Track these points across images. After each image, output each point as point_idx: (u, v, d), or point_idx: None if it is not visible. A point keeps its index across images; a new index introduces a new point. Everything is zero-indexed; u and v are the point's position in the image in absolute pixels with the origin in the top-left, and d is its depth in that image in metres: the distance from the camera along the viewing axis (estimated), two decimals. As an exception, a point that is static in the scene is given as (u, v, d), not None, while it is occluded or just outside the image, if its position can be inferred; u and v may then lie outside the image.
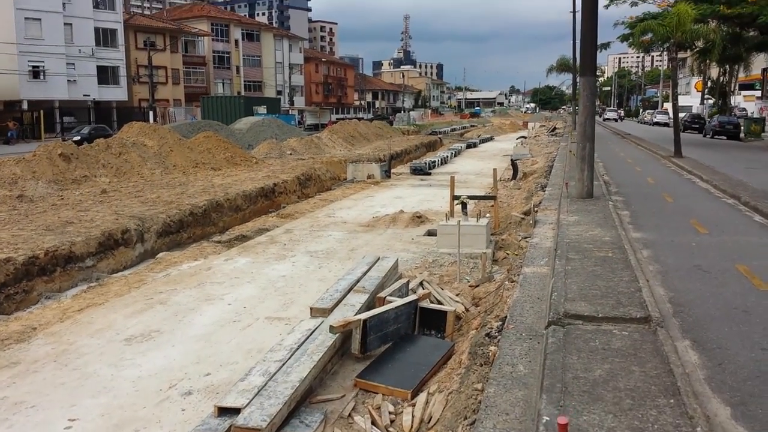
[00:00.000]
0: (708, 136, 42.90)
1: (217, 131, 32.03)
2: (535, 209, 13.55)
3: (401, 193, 21.80)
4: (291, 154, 31.52)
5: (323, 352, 6.12)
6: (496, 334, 6.36)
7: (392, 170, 29.23)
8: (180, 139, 23.34)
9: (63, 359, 7.13)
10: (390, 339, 7.24)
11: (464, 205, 12.06)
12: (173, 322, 8.35)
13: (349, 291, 8.13)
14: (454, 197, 13.28)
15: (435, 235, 12.59)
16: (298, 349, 6.12)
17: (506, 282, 8.43)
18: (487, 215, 15.64)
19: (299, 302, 9.06)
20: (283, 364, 5.76)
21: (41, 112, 52.02)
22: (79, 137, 40.10)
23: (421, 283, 9.44)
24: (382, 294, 8.00)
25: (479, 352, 6.07)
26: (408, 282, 8.85)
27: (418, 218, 15.76)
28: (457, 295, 9.43)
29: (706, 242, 9.55)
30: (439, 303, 8.94)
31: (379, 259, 9.88)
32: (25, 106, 54.71)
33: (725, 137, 40.98)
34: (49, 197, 16.10)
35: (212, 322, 8.37)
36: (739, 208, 12.68)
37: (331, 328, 6.51)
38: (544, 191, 17.01)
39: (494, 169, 14.08)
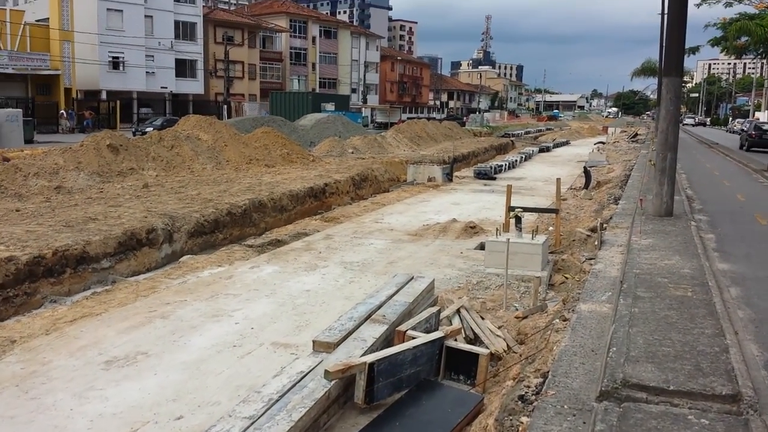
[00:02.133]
0: None
1: (279, 127, 31.40)
2: (603, 227, 11.91)
3: (460, 198, 20.36)
4: (352, 152, 30.52)
5: (309, 406, 4.89)
6: (533, 396, 4.97)
7: (456, 173, 27.77)
8: (236, 134, 22.64)
9: (27, 383, 6.18)
10: (405, 385, 5.94)
11: (518, 219, 10.58)
12: (166, 343, 7.31)
13: (366, 319, 6.88)
14: (510, 208, 11.80)
15: (487, 249, 11.17)
16: (278, 401, 4.91)
17: (557, 320, 6.98)
18: (550, 228, 14.11)
19: (315, 325, 7.87)
20: (253, 423, 4.56)
21: (117, 102, 53.10)
22: (151, 128, 40.44)
23: (458, 311, 8.08)
24: (403, 326, 6.70)
25: (507, 422, 4.69)
26: (439, 311, 7.51)
27: (472, 228, 14.33)
28: (499, 327, 8.02)
29: (811, 281, 7.79)
30: (476, 336, 7.57)
31: (412, 278, 8.57)
32: (104, 96, 56.06)
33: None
34: (89, 189, 15.55)
35: (210, 344, 7.28)
36: None
37: (327, 374, 5.27)
38: (617, 204, 15.27)
39: (558, 179, 12.50)
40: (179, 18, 62.29)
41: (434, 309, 7.43)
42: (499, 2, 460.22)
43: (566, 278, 10.04)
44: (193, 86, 64.88)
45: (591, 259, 10.22)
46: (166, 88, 61.97)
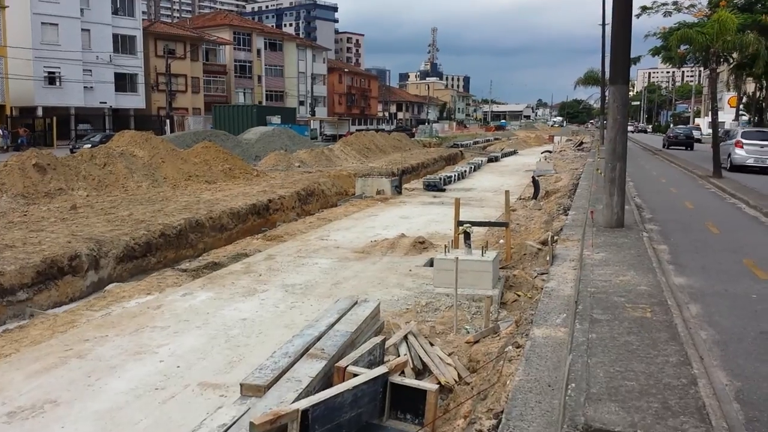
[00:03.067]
0: None
1: (222, 141, 30.49)
2: (554, 239, 11.54)
3: (409, 211, 19.87)
4: (299, 166, 29.82)
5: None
6: (485, 443, 4.41)
7: (405, 185, 27.36)
8: (173, 149, 21.70)
9: None
10: (346, 431, 5.31)
11: (467, 235, 10.09)
12: (80, 388, 6.51)
13: (303, 354, 6.23)
14: (459, 223, 11.32)
15: (436, 266, 10.65)
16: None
17: (510, 347, 6.46)
18: (500, 241, 13.71)
19: (249, 360, 7.18)
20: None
21: (54, 118, 51.05)
22: (90, 145, 38.86)
23: (405, 337, 7.52)
24: (344, 361, 6.07)
25: (457, 476, 4.12)
26: (384, 341, 6.91)
27: (421, 244, 13.81)
28: (450, 354, 7.48)
29: (769, 293, 7.48)
30: (424, 366, 7.01)
31: (355, 303, 7.96)
32: (39, 112, 53.90)
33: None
34: (11, 213, 14.46)
35: (129, 388, 6.51)
36: (801, 244, 10.56)
37: (252, 427, 4.60)
38: (566, 215, 14.98)
39: (506, 191, 12.11)
40: (118, 31, 60.54)
41: (378, 339, 6.83)
42: (444, 15, 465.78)
43: (518, 296, 9.59)
44: (134, 101, 63.07)
45: (543, 274, 9.81)
46: (105, 103, 60.05)
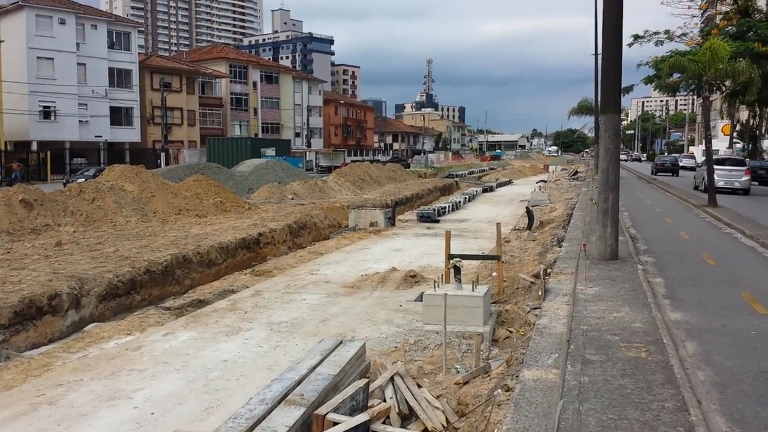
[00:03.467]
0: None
1: (215, 174, 30.34)
2: (547, 272, 11.28)
3: (402, 244, 19.61)
4: (292, 198, 29.61)
5: None
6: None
7: (399, 217, 27.14)
8: (164, 183, 21.46)
9: None
10: (323, 484, 4.99)
11: (457, 270, 9.80)
12: (46, 438, 6.18)
13: (281, 400, 5.92)
14: (450, 256, 11.05)
15: (427, 302, 10.35)
16: None
17: (499, 390, 6.16)
18: (494, 274, 13.43)
19: (228, 405, 6.85)
20: None
21: (48, 153, 50.98)
22: (83, 179, 38.70)
23: (391, 379, 7.21)
24: (324, 408, 5.76)
25: None
26: (367, 384, 6.60)
27: (412, 278, 13.53)
28: (438, 396, 7.16)
29: (769, 329, 7.21)
30: (411, 410, 6.70)
31: (340, 343, 7.66)
32: (34, 146, 53.90)
33: (757, 183, 38.64)
34: (-5, 250, 14.16)
35: (98, 438, 6.18)
36: (799, 276, 10.31)
37: (219, 484, 4.29)
38: (560, 246, 14.75)
39: (498, 224, 11.87)
40: (114, 65, 60.88)
41: (362, 383, 6.51)
42: (439, 47, 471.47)
43: (510, 332, 9.28)
44: (130, 134, 63.18)
45: (536, 308, 9.53)
46: (100, 136, 60.15)
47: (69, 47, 56.14)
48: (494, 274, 13.28)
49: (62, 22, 55.62)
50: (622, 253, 11.58)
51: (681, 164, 55.62)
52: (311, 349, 7.52)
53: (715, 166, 28.39)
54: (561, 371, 5.68)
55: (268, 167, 34.76)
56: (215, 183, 23.85)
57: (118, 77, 61.87)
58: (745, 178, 30.25)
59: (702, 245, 13.44)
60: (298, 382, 6.37)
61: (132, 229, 17.65)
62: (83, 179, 38.20)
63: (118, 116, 62.07)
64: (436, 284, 9.90)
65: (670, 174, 48.68)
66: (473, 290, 9.52)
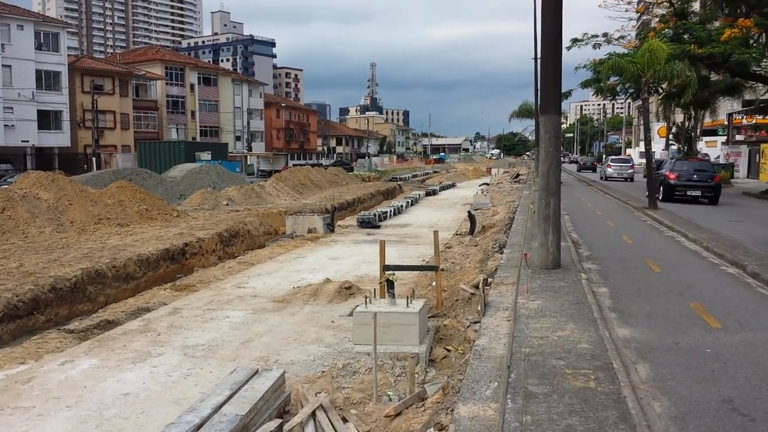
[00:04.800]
0: None
1: (144, 180, 28.83)
2: (488, 282, 10.60)
3: (339, 252, 18.73)
4: (227, 204, 28.37)
5: None
6: None
7: (340, 222, 26.27)
8: (83, 190, 20.00)
9: None
10: None
11: (390, 284, 8.99)
12: None
13: (175, 450, 4.97)
14: (384, 267, 10.24)
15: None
16: None
17: (431, 429, 5.36)
18: (434, 283, 12.70)
19: (119, 453, 5.85)
20: None
21: (-33, 159, 48.12)
22: (6, 185, 36.40)
23: (313, 414, 6.34)
24: (223, 460, 4.85)
25: None
26: (281, 425, 5.71)
27: (347, 290, 12.67)
28: (366, 432, 6.34)
29: (724, 346, 6.64)
30: (333, 452, 5.84)
31: (256, 373, 6.74)
32: (-47, 152, 50.87)
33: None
34: None
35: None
36: (747, 282, 9.89)
37: None
38: (502, 252, 14.15)
39: (435, 232, 11.12)
40: (41, 67, 58.01)
41: (273, 424, 5.62)
42: (383, 51, 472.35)
43: (449, 351, 8.53)
44: (59, 139, 60.34)
45: (476, 322, 8.83)
46: (27, 141, 57.25)
47: (-8, 49, 53.21)
48: (434, 283, 12.57)
49: (-16, 22, 52.67)
50: (564, 260, 11.01)
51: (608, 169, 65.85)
52: (220, 382, 6.57)
53: (611, 162, 46.55)
54: (501, 407, 4.92)
55: (202, 172, 33.34)
56: (141, 189, 22.45)
57: (47, 79, 59.01)
58: (630, 170, 44.59)
59: (645, 250, 13.02)
60: (199, 426, 5.43)
61: (44, 241, 16.24)
62: (6, 186, 36.01)
63: (47, 120, 59.20)
64: (367, 300, 9.05)
65: (590, 171, 64.99)
66: (408, 306, 8.72)
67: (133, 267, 14.30)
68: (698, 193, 24.69)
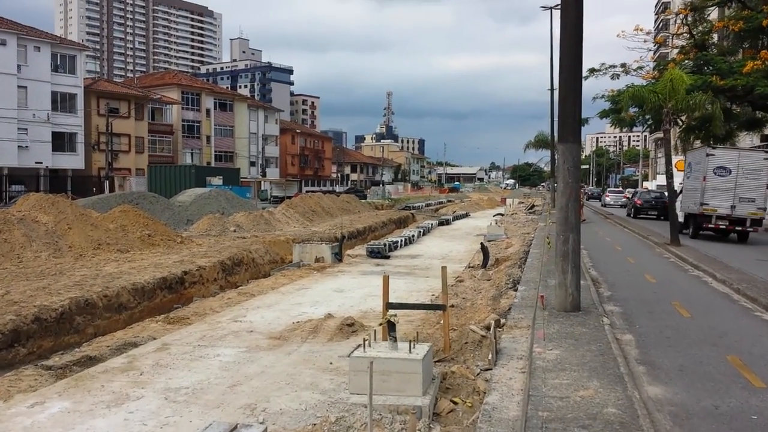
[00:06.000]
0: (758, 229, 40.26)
1: (151, 204, 28.31)
2: (500, 324, 9.77)
3: (345, 283, 17.93)
4: (234, 230, 27.73)
5: None
6: None
7: (349, 251, 25.50)
8: (83, 214, 19.41)
9: None
10: None
11: (391, 326, 8.17)
12: None
13: None
14: (388, 305, 9.43)
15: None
16: None
17: None
18: (441, 321, 11.85)
19: None
20: None
21: (-20, 179, 48.14)
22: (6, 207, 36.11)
23: (296, 479, 5.51)
24: None
25: None
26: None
27: (349, 327, 11.83)
28: (355, 504, 5.49)
29: (773, 410, 5.75)
30: None
31: (234, 429, 5.94)
32: (-33, 172, 50.95)
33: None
34: None
35: None
36: (786, 331, 8.97)
37: None
38: (516, 289, 13.31)
39: (443, 268, 10.31)
40: (57, 89, 58.34)
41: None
42: (399, 80, 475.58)
43: (456, 403, 7.68)
44: (73, 161, 60.45)
45: (487, 369, 8.00)
46: (41, 163, 57.33)
47: (9, 69, 53.55)
48: (442, 321, 11.72)
49: (2, 43, 53.09)
50: (584, 300, 10.14)
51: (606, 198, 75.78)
52: (192, 439, 5.78)
53: (608, 192, 60.74)
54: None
55: (211, 197, 32.80)
56: (144, 214, 21.86)
57: (62, 101, 59.32)
58: (624, 199, 52.70)
59: (671, 291, 12.11)
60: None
61: (38, 267, 15.60)
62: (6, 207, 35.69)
63: (61, 142, 59.39)
64: (366, 342, 8.23)
65: (596, 199, 71.67)
66: (411, 351, 7.90)
67: (126, 296, 13.59)
68: (655, 213, 37.46)
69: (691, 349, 7.85)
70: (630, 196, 47.08)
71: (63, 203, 19.32)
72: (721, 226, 22.71)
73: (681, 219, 24.05)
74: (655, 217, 36.48)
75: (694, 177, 24.13)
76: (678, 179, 58.19)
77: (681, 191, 25.50)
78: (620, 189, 72.16)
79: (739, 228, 22.80)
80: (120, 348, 10.56)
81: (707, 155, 22.86)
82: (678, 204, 23.49)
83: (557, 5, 39.79)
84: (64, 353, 10.60)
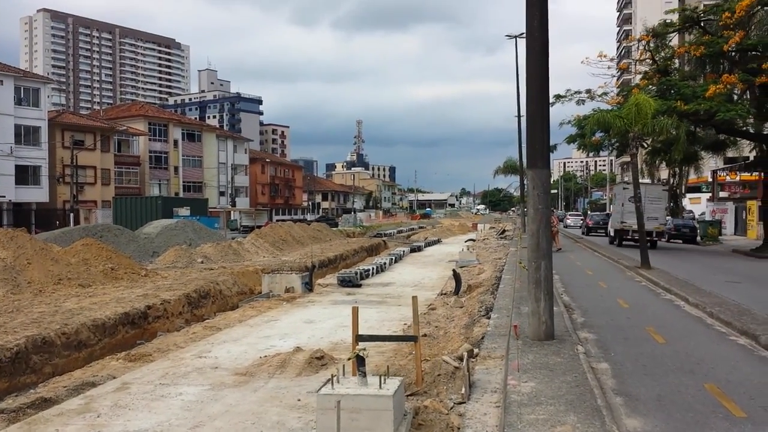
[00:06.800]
0: (663, 240, 40.79)
1: (116, 236, 27.66)
2: (473, 354, 9.52)
3: (316, 314, 17.54)
4: (202, 262, 27.16)
5: None
6: None
7: (320, 281, 25.11)
8: (43, 248, 18.79)
9: None
10: None
11: (360, 360, 7.84)
12: None
13: None
14: (358, 337, 9.10)
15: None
16: None
17: None
18: (414, 352, 11.54)
19: None
20: None
21: (-61, 213, 46.73)
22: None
23: None
24: None
25: None
26: None
27: (318, 360, 11.48)
28: None
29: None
30: None
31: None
32: (-74, 207, 49.43)
33: (681, 241, 38.95)
34: None
35: None
36: (763, 356, 8.84)
37: None
38: (489, 317, 13.09)
39: (414, 297, 10.03)
40: (21, 122, 57.26)
41: None
42: (369, 108, 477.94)
43: (428, 441, 7.36)
44: (37, 194, 59.14)
45: (460, 403, 7.71)
46: (4, 197, 55.95)
47: (-29, 102, 52.45)
48: (414, 352, 11.41)
49: (-36, 76, 52.05)
50: (557, 328, 9.94)
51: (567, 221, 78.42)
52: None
53: (569, 215, 71.49)
54: None
55: (178, 228, 32.18)
56: (107, 247, 21.26)
57: (26, 134, 58.22)
58: (582, 221, 59.40)
59: (644, 316, 11.99)
60: None
61: (-7, 304, 14.96)
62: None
63: (25, 175, 58.14)
64: (334, 378, 7.89)
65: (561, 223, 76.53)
66: (381, 386, 7.57)
67: (86, 333, 13.05)
68: (603, 230, 42.38)
69: (668, 378, 7.65)
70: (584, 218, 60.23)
71: (22, 238, 18.68)
72: (635, 237, 28.77)
73: (612, 234, 34.23)
74: (604, 234, 41.94)
75: (617, 204, 32.71)
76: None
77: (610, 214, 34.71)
78: (579, 213, 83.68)
79: (648, 238, 28.42)
80: (77, 388, 10.04)
81: (624, 188, 31.86)
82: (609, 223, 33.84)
83: (522, 34, 40.42)
84: (18, 395, 10.06)
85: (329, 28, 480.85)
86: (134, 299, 16.06)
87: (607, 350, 9.12)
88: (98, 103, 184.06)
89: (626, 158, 54.62)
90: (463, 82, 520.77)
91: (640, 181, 23.34)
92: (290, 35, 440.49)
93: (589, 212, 76.62)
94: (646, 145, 33.63)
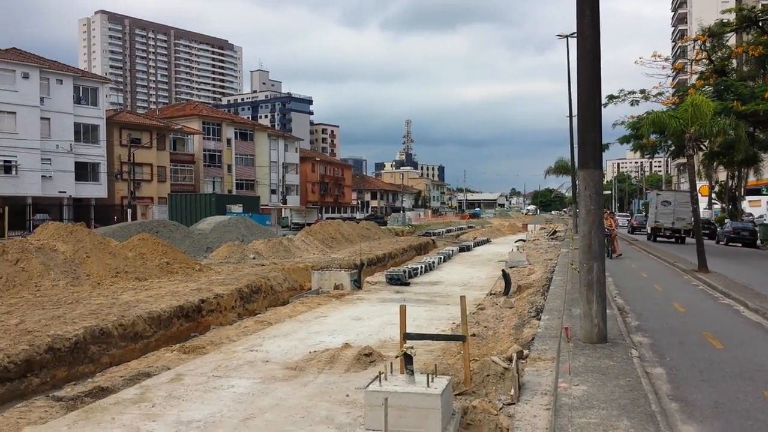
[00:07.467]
0: (722, 243, 39.56)
1: (171, 232, 28.36)
2: (523, 355, 9.42)
3: (364, 311, 17.63)
4: (254, 258, 27.62)
5: None
6: None
7: (369, 278, 25.23)
8: (101, 242, 19.42)
9: None
10: None
11: (408, 359, 7.85)
12: None
13: None
14: (406, 336, 9.12)
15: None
16: None
17: None
18: (461, 351, 11.49)
19: None
20: None
21: (5, 208, 48.67)
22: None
23: None
24: None
25: None
26: None
27: (367, 356, 11.52)
28: None
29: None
30: None
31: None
32: (-6, 201, 51.60)
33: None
34: None
35: None
36: (828, 364, 8.49)
37: None
38: (539, 318, 12.93)
39: (462, 297, 9.97)
40: (80, 120, 59.30)
41: None
42: (418, 108, 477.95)
43: (477, 441, 7.33)
44: (96, 190, 61.16)
45: (510, 404, 7.65)
46: (64, 192, 58.05)
47: (32, 101, 54.55)
48: (462, 352, 11.35)
49: (25, 76, 54.18)
50: (610, 331, 9.75)
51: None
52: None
53: (617, 215, 61.20)
54: None
55: (231, 225, 32.79)
56: (162, 242, 21.84)
57: (85, 132, 60.25)
58: (628, 222, 61.96)
59: (701, 321, 11.66)
60: None
61: (55, 296, 15.53)
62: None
63: (84, 172, 60.19)
64: (382, 375, 7.92)
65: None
66: (429, 384, 7.56)
67: (142, 325, 13.42)
68: (645, 229, 45.53)
69: (727, 384, 7.43)
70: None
71: (81, 232, 19.34)
72: (666, 234, 37.75)
73: (649, 231, 40.17)
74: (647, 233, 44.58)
75: (652, 207, 39.86)
76: (702, 204, 57.58)
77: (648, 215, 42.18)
78: (627, 214, 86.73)
79: (677, 235, 37.74)
80: (133, 378, 10.35)
81: (657, 194, 40.41)
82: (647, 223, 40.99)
83: (573, 33, 39.68)
84: (76, 383, 10.41)
85: (377, 29, 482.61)
86: (188, 293, 16.44)
87: (662, 355, 8.90)
88: (154, 102, 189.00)
89: (682, 160, 53.24)
90: (512, 81, 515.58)
91: (679, 188, 22.72)
92: (339, 36, 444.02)
93: (634, 213, 79.40)
94: (704, 148, 32.72)
